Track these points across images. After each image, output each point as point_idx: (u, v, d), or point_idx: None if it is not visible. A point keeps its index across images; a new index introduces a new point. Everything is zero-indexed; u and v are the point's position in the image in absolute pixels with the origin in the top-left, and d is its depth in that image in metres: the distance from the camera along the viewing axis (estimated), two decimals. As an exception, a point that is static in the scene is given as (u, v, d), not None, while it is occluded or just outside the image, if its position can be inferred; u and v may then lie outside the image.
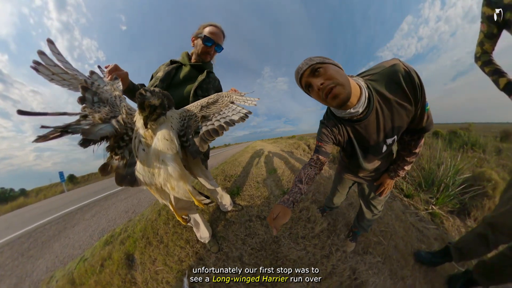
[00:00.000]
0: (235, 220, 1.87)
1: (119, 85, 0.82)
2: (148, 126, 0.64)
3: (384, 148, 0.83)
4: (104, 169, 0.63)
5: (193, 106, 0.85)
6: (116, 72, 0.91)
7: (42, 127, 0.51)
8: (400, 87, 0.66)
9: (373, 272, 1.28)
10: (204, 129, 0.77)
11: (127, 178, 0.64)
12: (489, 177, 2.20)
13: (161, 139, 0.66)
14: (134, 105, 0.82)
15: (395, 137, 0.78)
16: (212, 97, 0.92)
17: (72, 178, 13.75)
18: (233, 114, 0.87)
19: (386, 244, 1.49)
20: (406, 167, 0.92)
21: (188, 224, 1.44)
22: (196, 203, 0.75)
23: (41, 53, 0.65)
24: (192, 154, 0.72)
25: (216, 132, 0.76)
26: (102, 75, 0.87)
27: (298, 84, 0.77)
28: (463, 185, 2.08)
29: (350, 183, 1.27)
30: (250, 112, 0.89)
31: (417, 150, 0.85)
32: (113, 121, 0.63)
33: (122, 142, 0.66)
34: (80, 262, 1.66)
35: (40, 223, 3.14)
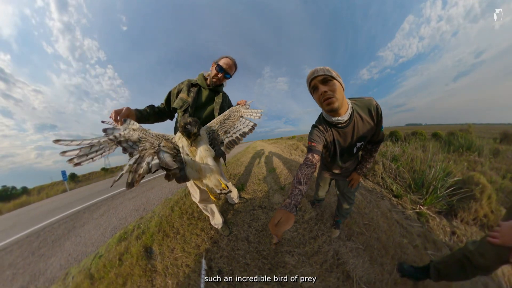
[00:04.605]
0: (241, 209, 2.23)
1: (133, 123, 1.00)
2: (193, 145, 0.99)
3: (355, 150, 1.15)
4: (168, 177, 0.90)
5: (214, 123, 1.19)
6: (120, 116, 1.02)
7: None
8: (370, 112, 1.02)
9: (353, 255, 1.48)
10: (226, 140, 1.15)
11: (182, 178, 0.93)
12: (477, 181, 2.30)
13: (203, 150, 1.00)
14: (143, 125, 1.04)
15: (362, 142, 1.11)
16: (226, 113, 1.25)
17: (73, 176, 13.76)
18: (244, 127, 1.22)
19: (368, 235, 1.68)
20: (367, 165, 1.29)
21: (205, 213, 1.73)
22: (223, 185, 1.03)
23: (56, 141, 0.79)
24: (218, 155, 1.07)
25: (235, 142, 1.16)
26: (111, 125, 1.01)
27: (307, 81, 0.98)
28: (452, 188, 2.17)
29: (329, 179, 1.59)
30: (255, 125, 1.25)
31: (374, 154, 1.23)
32: (162, 151, 0.91)
33: (174, 158, 0.96)
34: (95, 258, 1.73)
35: (47, 222, 3.16)
